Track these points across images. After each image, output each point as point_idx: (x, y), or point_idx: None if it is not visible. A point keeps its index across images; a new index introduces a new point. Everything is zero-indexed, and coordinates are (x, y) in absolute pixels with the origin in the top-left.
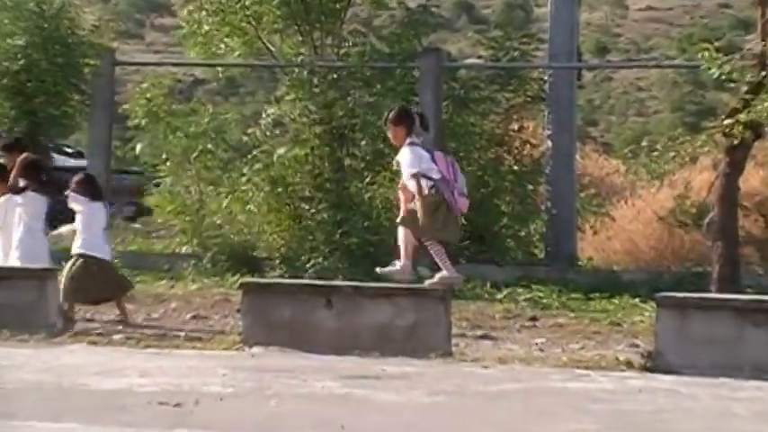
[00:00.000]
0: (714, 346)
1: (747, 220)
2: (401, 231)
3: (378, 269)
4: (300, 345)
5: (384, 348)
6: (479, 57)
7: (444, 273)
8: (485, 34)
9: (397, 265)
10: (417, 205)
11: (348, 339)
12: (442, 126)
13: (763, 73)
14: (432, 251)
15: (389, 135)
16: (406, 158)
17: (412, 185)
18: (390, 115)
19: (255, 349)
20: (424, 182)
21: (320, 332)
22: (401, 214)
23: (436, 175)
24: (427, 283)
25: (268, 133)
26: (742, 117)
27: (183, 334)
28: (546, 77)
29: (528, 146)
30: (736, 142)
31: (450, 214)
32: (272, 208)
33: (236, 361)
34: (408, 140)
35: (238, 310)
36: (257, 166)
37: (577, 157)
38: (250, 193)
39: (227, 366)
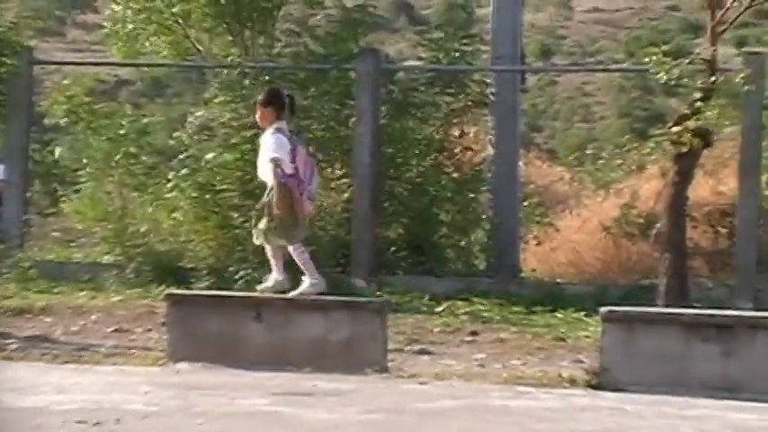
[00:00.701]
0: (662, 362)
1: (696, 231)
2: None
3: (257, 287)
4: (228, 360)
5: (317, 364)
6: (419, 59)
7: (306, 283)
8: (425, 35)
9: (271, 278)
10: (273, 196)
11: (279, 354)
12: (380, 131)
13: (713, 78)
14: (295, 253)
15: (257, 117)
16: (270, 143)
17: (269, 171)
18: (260, 97)
19: (181, 365)
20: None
21: (249, 347)
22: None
23: (289, 170)
24: (292, 293)
25: (195, 137)
26: (690, 124)
27: (103, 348)
28: (488, 81)
29: (469, 152)
30: (684, 150)
31: (298, 215)
32: (199, 216)
33: (160, 377)
34: (276, 125)
35: (163, 324)
36: (184, 171)
37: (521, 164)
38: (176, 200)
39: (150, 383)
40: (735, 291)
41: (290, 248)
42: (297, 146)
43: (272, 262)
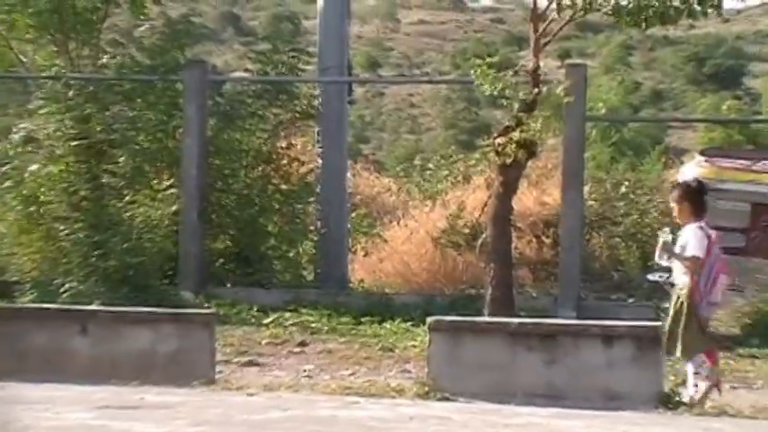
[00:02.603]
0: (487, 370)
1: (521, 241)
2: None
3: None
4: (54, 374)
5: (144, 377)
6: (246, 70)
7: None
8: (252, 47)
9: None
10: None
11: (106, 368)
12: (207, 142)
13: (536, 90)
14: None
15: None
16: None
17: None
18: None
19: (4, 381)
20: None
21: (75, 360)
22: None
23: None
24: None
25: (19, 149)
26: (515, 135)
27: None
28: (316, 92)
29: (297, 163)
30: (509, 161)
31: None
32: (23, 228)
33: None
34: None
35: None
36: (7, 183)
37: (348, 175)
38: None
39: None
40: (559, 300)
41: None
42: None
43: None
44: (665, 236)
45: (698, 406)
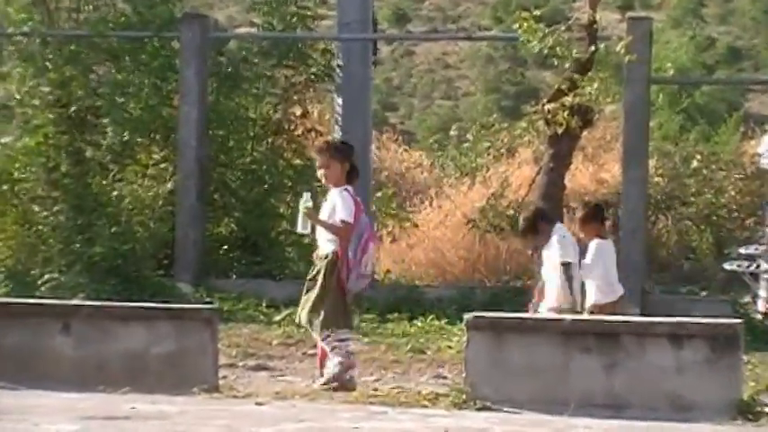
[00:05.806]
0: (536, 376)
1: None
2: None
3: None
4: (31, 379)
5: (137, 382)
6: (252, 24)
7: None
8: None
9: None
10: None
11: (92, 372)
12: (208, 109)
13: (593, 48)
14: None
15: None
16: None
17: None
18: None
19: None
20: None
21: (56, 363)
22: None
23: None
24: None
25: None
26: (567, 101)
27: None
28: (335, 51)
29: (312, 134)
30: (560, 131)
31: None
32: None
33: None
34: None
35: None
36: None
37: (373, 148)
38: None
39: None
40: None
41: None
42: None
43: None
44: (306, 201)
45: (336, 385)
